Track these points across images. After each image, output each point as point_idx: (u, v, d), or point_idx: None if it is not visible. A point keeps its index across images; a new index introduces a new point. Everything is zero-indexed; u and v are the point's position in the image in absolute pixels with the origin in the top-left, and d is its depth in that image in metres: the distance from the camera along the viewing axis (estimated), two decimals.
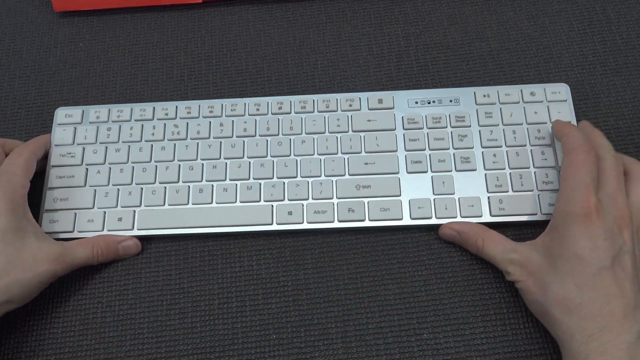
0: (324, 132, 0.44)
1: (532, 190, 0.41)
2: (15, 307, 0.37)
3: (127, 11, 0.52)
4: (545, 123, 0.43)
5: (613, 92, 0.46)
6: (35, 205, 0.42)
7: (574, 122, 0.43)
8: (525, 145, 0.43)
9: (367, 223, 0.41)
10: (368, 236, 0.42)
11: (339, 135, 0.44)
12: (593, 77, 0.47)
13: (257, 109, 0.45)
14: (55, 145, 0.45)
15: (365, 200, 0.42)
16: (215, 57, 0.49)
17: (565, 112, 0.44)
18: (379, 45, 0.49)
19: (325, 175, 0.43)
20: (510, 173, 0.42)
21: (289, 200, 0.42)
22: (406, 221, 0.41)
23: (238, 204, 0.42)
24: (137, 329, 0.40)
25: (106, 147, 0.44)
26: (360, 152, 0.43)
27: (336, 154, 0.43)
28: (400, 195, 0.42)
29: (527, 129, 0.43)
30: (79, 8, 0.51)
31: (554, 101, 0.44)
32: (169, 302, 0.41)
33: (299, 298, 0.40)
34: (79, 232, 0.42)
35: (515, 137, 0.43)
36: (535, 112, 0.44)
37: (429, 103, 0.45)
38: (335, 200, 0.42)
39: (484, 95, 0.45)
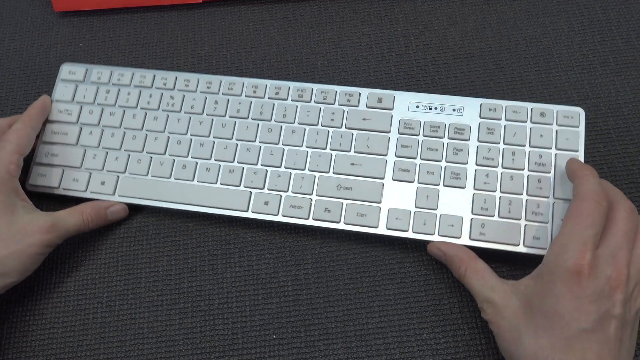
0: (317, 125, 0.43)
1: (519, 220, 0.39)
2: (16, 281, 0.38)
3: (127, 11, 0.52)
4: (550, 149, 0.40)
5: (613, 92, 0.46)
6: (30, 157, 0.43)
7: (582, 152, 0.40)
8: (523, 170, 0.40)
9: (341, 225, 0.40)
10: (375, 237, 0.42)
11: (330, 129, 0.43)
12: (593, 77, 0.47)
13: (254, 91, 0.44)
14: (56, 101, 0.45)
15: (344, 201, 0.40)
16: (215, 57, 0.49)
17: (574, 140, 0.40)
18: (379, 45, 0.49)
19: (309, 170, 0.42)
20: (499, 197, 0.39)
21: (268, 189, 0.41)
22: (381, 230, 0.39)
23: (218, 185, 0.42)
24: (137, 329, 0.40)
25: (102, 109, 0.45)
26: (349, 151, 0.42)
27: (324, 149, 0.42)
28: (380, 202, 0.40)
29: (529, 152, 0.40)
30: (79, 8, 0.51)
31: (564, 126, 0.41)
32: (169, 302, 0.41)
33: (299, 298, 0.40)
34: (63, 189, 0.43)
35: (513, 160, 0.40)
36: (541, 136, 0.41)
37: (431, 109, 0.42)
38: (313, 197, 0.41)
39: (490, 109, 0.42)
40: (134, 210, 0.44)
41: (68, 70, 0.46)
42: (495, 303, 0.34)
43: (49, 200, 0.44)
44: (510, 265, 0.40)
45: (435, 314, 0.39)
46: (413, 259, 0.41)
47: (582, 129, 0.41)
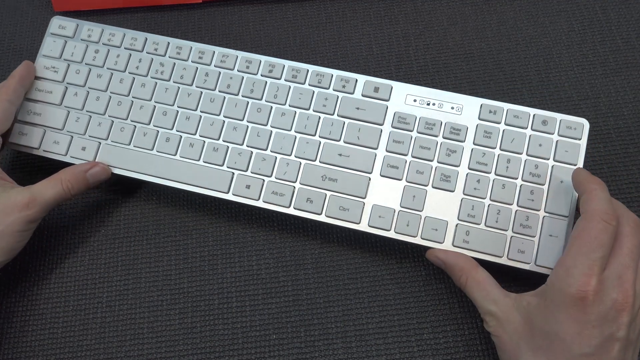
0: (308, 109, 0.41)
1: (506, 231, 0.37)
2: (4, 261, 0.37)
3: (127, 11, 0.52)
4: (547, 160, 0.39)
5: (613, 92, 0.46)
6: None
7: (581, 164, 0.39)
8: (516, 179, 0.38)
9: (322, 218, 0.39)
10: (368, 236, 0.42)
11: (322, 115, 0.41)
12: (593, 77, 0.47)
13: (247, 67, 0.43)
14: (43, 56, 0.44)
15: (328, 193, 0.39)
16: None
17: (574, 153, 0.39)
18: (379, 45, 0.49)
19: (295, 156, 0.40)
20: (488, 205, 0.38)
21: (251, 172, 0.40)
22: (362, 227, 0.38)
23: (201, 163, 0.41)
24: (137, 329, 0.40)
25: (89, 70, 0.43)
26: (338, 141, 0.40)
27: (313, 135, 0.41)
28: (365, 197, 0.39)
29: (525, 161, 0.39)
30: (79, 8, 0.51)
31: (566, 137, 0.39)
32: (169, 302, 0.41)
33: (299, 298, 0.40)
34: (43, 150, 0.42)
35: (507, 167, 0.39)
36: (540, 145, 0.39)
37: (428, 104, 0.41)
38: (297, 185, 0.39)
39: (490, 111, 0.40)
40: (134, 210, 0.44)
41: (58, 25, 0.45)
42: (497, 316, 0.34)
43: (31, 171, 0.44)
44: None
45: (435, 314, 0.39)
46: (413, 259, 0.41)
47: (584, 141, 0.39)
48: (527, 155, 0.39)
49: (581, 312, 0.30)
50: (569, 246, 0.33)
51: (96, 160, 0.41)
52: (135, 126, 0.42)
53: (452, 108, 0.41)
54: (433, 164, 0.39)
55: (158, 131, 0.42)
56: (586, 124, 0.39)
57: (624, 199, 0.42)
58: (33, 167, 0.45)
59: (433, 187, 0.39)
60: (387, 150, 0.40)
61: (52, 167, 0.42)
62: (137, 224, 0.43)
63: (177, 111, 0.42)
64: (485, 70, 0.47)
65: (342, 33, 0.50)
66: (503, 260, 0.37)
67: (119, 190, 0.44)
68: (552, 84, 0.46)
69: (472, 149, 0.40)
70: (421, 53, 0.49)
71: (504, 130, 0.40)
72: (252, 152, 0.41)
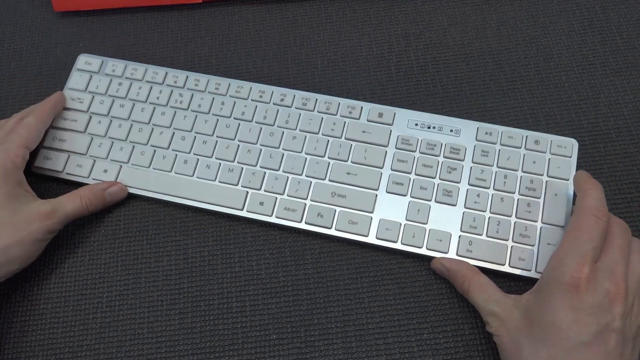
0: (317, 133, 0.44)
1: (506, 240, 0.39)
2: (19, 268, 0.39)
3: (127, 11, 0.52)
4: (541, 175, 0.41)
5: (613, 92, 0.46)
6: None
7: (571, 180, 0.41)
8: (513, 193, 0.41)
9: (332, 231, 0.41)
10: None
11: (330, 139, 0.43)
12: (593, 77, 0.47)
13: (261, 96, 0.45)
14: (69, 89, 0.47)
15: (337, 208, 0.41)
16: (215, 57, 0.49)
17: (566, 169, 0.41)
18: (379, 45, 0.49)
19: (306, 175, 0.42)
20: (488, 217, 0.40)
21: (264, 190, 0.42)
22: (371, 239, 0.40)
23: (216, 182, 0.43)
24: (137, 329, 0.40)
25: (113, 100, 0.46)
26: (346, 161, 0.43)
27: (322, 157, 0.43)
28: (372, 212, 0.41)
29: (520, 177, 0.41)
30: (79, 8, 0.51)
31: (557, 155, 0.42)
32: (169, 302, 0.41)
33: (299, 298, 0.40)
34: (67, 173, 0.44)
35: (505, 182, 0.41)
36: (534, 162, 0.41)
37: (429, 128, 0.43)
38: (308, 202, 0.42)
39: (486, 133, 0.43)
40: (134, 210, 0.44)
41: (84, 61, 0.48)
42: (499, 316, 0.35)
43: (52, 183, 0.44)
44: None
45: (435, 314, 0.39)
46: (413, 259, 0.41)
47: (574, 159, 0.41)
48: (523, 171, 0.41)
49: (575, 298, 0.31)
50: (561, 240, 0.34)
51: (116, 181, 0.43)
52: (155, 150, 0.44)
53: (451, 131, 0.43)
54: (435, 180, 0.42)
55: (176, 154, 0.44)
56: (575, 143, 0.42)
57: (624, 199, 0.42)
58: (53, 184, 0.45)
59: (436, 201, 0.41)
60: (392, 169, 0.42)
61: (71, 185, 0.43)
62: (137, 224, 0.43)
63: (195, 136, 0.44)
64: (485, 70, 0.47)
65: (342, 33, 0.50)
66: (505, 268, 0.39)
67: None
68: (552, 84, 0.46)
69: (471, 167, 0.42)
70: (421, 53, 0.49)
71: (499, 150, 0.42)
72: (265, 172, 0.43)
